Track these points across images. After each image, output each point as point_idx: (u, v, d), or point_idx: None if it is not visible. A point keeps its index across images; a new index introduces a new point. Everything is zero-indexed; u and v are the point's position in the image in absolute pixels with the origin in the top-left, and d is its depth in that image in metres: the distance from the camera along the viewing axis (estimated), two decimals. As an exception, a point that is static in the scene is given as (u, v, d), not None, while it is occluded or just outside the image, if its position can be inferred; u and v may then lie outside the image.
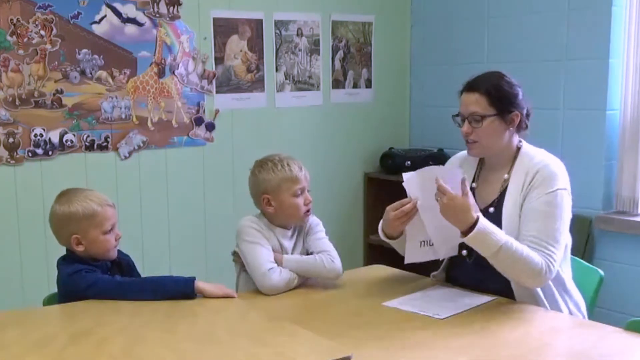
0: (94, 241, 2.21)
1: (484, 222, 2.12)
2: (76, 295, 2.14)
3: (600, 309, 2.61)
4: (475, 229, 2.11)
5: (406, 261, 2.34)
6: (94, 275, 2.17)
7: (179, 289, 2.15)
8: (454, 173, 2.24)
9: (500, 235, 2.14)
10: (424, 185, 2.20)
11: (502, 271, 2.21)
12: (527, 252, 2.15)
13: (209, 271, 3.54)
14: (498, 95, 2.27)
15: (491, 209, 2.31)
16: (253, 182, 2.43)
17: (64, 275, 2.19)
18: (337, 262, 2.39)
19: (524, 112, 2.32)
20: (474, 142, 2.32)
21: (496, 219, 2.22)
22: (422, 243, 2.32)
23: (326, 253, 2.40)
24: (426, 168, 2.26)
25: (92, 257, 2.23)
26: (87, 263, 2.20)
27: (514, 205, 2.26)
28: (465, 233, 2.13)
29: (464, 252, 2.39)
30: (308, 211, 2.41)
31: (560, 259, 2.22)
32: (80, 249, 2.21)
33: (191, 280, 2.17)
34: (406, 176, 2.24)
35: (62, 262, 2.25)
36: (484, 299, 2.24)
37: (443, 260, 2.49)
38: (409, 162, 3.95)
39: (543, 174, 2.24)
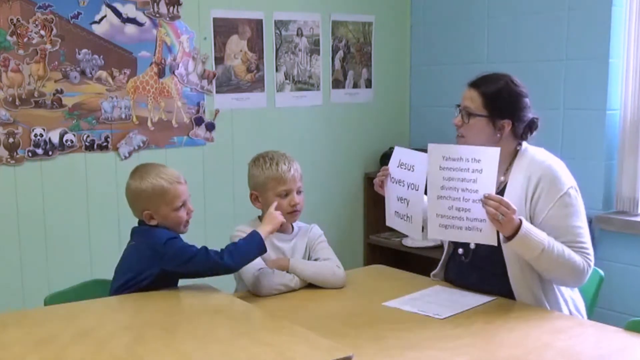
0: (165, 217, 2.28)
1: (526, 225, 2.11)
2: (178, 258, 2.20)
3: (600, 309, 2.61)
4: (519, 232, 2.09)
5: (386, 223, 2.43)
6: (192, 248, 2.23)
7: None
8: (422, 157, 2.26)
9: (542, 236, 2.13)
10: (399, 163, 2.34)
11: (544, 272, 2.21)
12: (569, 252, 2.16)
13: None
14: (494, 99, 2.27)
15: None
16: (248, 176, 2.46)
17: (159, 240, 2.22)
18: (342, 270, 2.42)
19: (522, 123, 2.29)
20: (461, 136, 2.34)
21: None
22: (397, 213, 2.37)
23: (331, 261, 2.41)
24: (402, 150, 2.38)
25: (166, 228, 2.29)
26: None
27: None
28: (509, 237, 2.11)
29: (460, 250, 2.39)
30: (293, 212, 2.41)
31: (592, 250, 2.23)
32: (153, 222, 2.28)
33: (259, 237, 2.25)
34: (396, 148, 2.40)
35: (142, 230, 2.31)
36: (484, 299, 2.25)
37: (441, 258, 2.50)
38: (409, 162, 3.94)
39: (547, 180, 2.22)
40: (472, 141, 2.31)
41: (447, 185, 2.14)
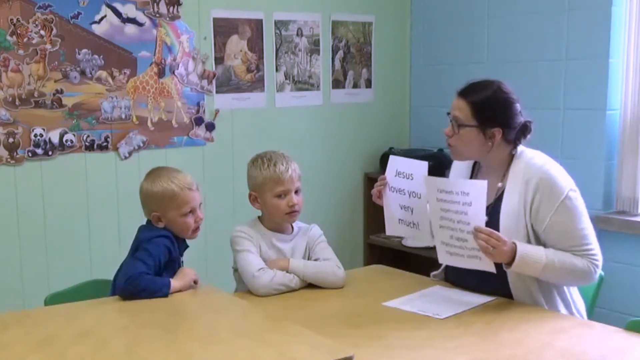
0: (172, 221, 2.29)
1: (521, 248, 2.13)
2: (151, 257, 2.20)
3: (600, 309, 2.61)
4: (516, 257, 2.12)
5: (387, 232, 2.45)
6: (142, 264, 2.17)
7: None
8: (420, 165, 2.30)
9: (539, 253, 2.15)
10: (396, 172, 2.37)
11: (551, 282, 2.24)
12: (570, 259, 2.18)
13: (209, 271, 3.53)
14: (482, 108, 2.25)
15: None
16: (247, 176, 2.46)
17: (149, 235, 2.24)
18: (342, 271, 2.42)
19: (512, 129, 2.27)
20: (451, 145, 2.34)
21: (491, 226, 2.20)
22: (402, 221, 2.38)
23: (331, 261, 2.41)
24: (397, 158, 2.41)
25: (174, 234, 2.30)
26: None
27: (512, 213, 2.24)
28: (508, 263, 2.14)
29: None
30: (292, 213, 2.40)
31: (599, 249, 2.24)
32: (160, 225, 2.29)
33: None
34: (392, 158, 2.42)
35: (145, 227, 2.33)
36: (484, 299, 2.25)
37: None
38: (409, 162, 3.94)
39: (546, 185, 2.21)
40: (462, 151, 2.32)
41: (445, 216, 2.18)
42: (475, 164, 2.44)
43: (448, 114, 2.34)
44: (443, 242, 2.22)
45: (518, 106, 2.30)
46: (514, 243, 2.13)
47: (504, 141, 2.29)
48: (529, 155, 2.31)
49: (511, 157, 2.32)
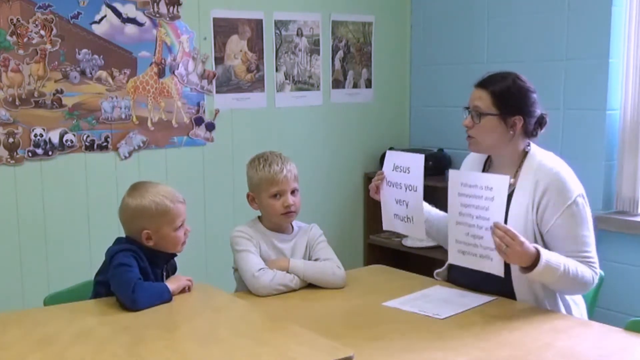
0: (164, 237, 2.20)
1: (545, 255, 2.10)
2: (111, 261, 2.13)
3: (600, 309, 2.61)
4: (541, 263, 2.08)
5: (383, 227, 2.46)
6: (133, 272, 2.10)
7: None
8: (416, 158, 2.31)
9: (556, 259, 2.12)
10: (393, 166, 2.38)
11: (557, 290, 2.22)
12: (580, 269, 2.17)
13: (209, 271, 3.54)
14: (503, 97, 2.27)
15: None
16: (246, 177, 2.46)
17: (115, 250, 2.16)
18: (342, 271, 2.42)
19: (532, 118, 2.29)
20: (470, 137, 2.34)
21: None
22: (396, 216, 2.39)
23: (331, 261, 2.41)
24: (394, 153, 2.43)
25: (158, 250, 2.21)
26: (146, 253, 2.18)
27: (521, 212, 2.24)
28: (527, 268, 2.10)
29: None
30: (288, 213, 2.40)
31: (597, 257, 2.24)
32: (150, 243, 2.19)
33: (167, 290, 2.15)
34: (389, 152, 2.44)
35: (118, 241, 2.24)
36: (484, 299, 2.25)
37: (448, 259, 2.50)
38: (409, 162, 3.94)
39: (555, 188, 2.21)
40: (482, 141, 2.31)
41: (464, 211, 2.17)
42: (486, 162, 2.44)
43: (466, 108, 2.34)
44: (457, 240, 2.19)
45: (535, 96, 2.32)
46: (536, 248, 2.10)
47: (522, 132, 2.30)
48: (541, 155, 2.32)
49: (524, 155, 2.32)
